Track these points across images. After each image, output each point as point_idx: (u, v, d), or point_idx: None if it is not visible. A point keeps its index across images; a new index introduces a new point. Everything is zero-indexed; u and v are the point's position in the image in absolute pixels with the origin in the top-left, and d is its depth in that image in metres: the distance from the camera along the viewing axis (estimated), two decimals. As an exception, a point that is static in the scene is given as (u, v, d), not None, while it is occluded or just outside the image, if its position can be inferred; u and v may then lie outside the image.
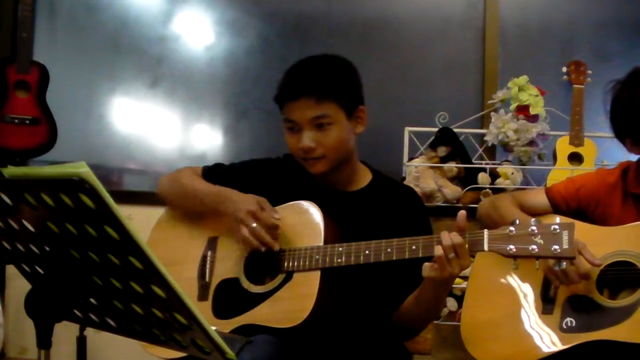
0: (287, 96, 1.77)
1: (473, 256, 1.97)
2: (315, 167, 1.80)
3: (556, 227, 1.47)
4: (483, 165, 2.97)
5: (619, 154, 2.82)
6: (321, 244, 1.69)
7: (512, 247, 1.49)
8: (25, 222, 1.04)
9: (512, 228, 1.50)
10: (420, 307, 1.72)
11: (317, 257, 1.67)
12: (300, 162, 1.82)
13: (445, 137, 2.94)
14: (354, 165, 1.87)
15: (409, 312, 1.75)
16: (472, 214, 1.61)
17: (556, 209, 1.93)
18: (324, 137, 1.75)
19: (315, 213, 1.74)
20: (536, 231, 1.48)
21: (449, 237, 1.53)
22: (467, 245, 1.53)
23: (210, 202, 1.84)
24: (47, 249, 1.07)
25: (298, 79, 1.77)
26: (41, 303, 1.09)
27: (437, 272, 1.56)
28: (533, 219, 1.51)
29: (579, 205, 1.93)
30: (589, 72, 3.05)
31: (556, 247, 1.46)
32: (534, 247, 1.47)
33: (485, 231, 1.53)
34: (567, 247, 1.46)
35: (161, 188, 1.98)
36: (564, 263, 1.52)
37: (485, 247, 1.52)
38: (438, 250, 1.54)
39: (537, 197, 1.97)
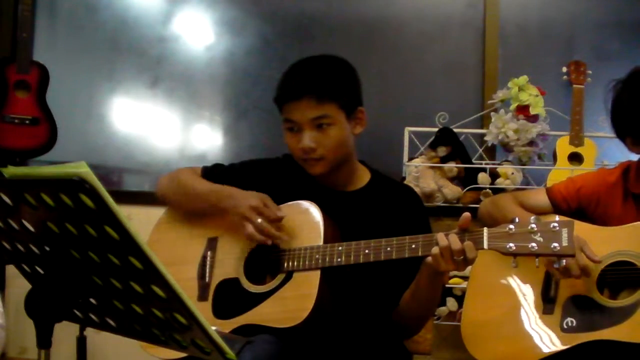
0: (287, 96, 1.77)
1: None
2: (315, 168, 1.80)
3: (555, 224, 1.47)
4: (483, 165, 2.97)
5: (619, 154, 2.82)
6: (321, 243, 1.69)
7: (511, 245, 1.49)
8: (25, 222, 1.04)
9: (511, 226, 1.50)
10: (416, 300, 1.73)
11: (317, 256, 1.67)
12: (299, 163, 1.82)
13: (445, 137, 2.94)
14: (353, 165, 1.87)
15: (405, 307, 1.76)
16: (472, 214, 1.60)
17: (557, 209, 1.93)
18: (324, 137, 1.75)
19: (315, 213, 1.74)
20: (536, 229, 1.48)
21: (445, 239, 1.54)
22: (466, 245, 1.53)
23: (211, 200, 1.84)
24: (47, 249, 1.07)
25: (299, 80, 1.77)
26: (41, 303, 1.09)
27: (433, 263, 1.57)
28: (532, 217, 1.51)
29: (579, 205, 1.93)
30: (589, 72, 3.04)
31: (556, 244, 1.46)
32: (534, 244, 1.47)
33: (485, 229, 1.53)
34: (566, 244, 1.46)
35: (160, 187, 1.97)
36: (564, 261, 1.52)
37: (485, 245, 1.52)
38: (435, 251, 1.54)
39: (538, 196, 1.97)
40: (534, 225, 1.48)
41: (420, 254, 1.59)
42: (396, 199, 1.85)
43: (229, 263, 1.81)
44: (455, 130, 3.00)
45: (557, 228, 1.47)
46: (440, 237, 1.54)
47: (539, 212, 1.87)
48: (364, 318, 1.76)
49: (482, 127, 3.15)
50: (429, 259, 1.56)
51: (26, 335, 3.20)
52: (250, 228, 1.71)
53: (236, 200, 1.76)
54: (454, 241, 1.53)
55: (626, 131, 1.88)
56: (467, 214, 1.55)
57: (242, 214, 1.73)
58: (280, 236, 1.71)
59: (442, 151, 2.94)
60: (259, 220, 1.70)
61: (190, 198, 1.90)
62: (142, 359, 1.82)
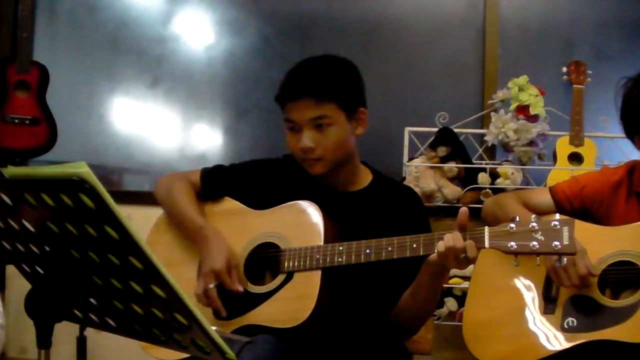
0: (287, 96, 1.77)
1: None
2: (314, 168, 1.80)
3: (556, 223, 1.47)
4: (483, 165, 2.97)
5: (619, 154, 2.83)
6: (321, 243, 1.69)
7: (513, 243, 1.50)
8: (25, 222, 1.04)
9: (512, 225, 1.51)
10: (416, 300, 1.72)
11: (317, 256, 1.67)
12: (300, 163, 1.82)
13: (445, 137, 2.94)
14: (355, 165, 1.87)
15: (404, 307, 1.75)
16: (472, 213, 1.60)
17: (560, 208, 1.92)
18: (323, 137, 1.75)
19: (314, 213, 1.74)
20: (536, 227, 1.48)
21: (451, 237, 1.54)
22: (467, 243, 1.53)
23: (189, 233, 1.86)
24: (47, 249, 1.07)
25: (298, 80, 1.78)
26: (41, 303, 1.09)
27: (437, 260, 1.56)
28: (533, 216, 1.51)
29: (582, 205, 1.92)
30: (589, 72, 3.05)
31: (557, 243, 1.46)
32: (535, 243, 1.48)
33: (486, 228, 1.53)
34: (567, 243, 1.46)
35: (158, 193, 1.97)
36: (565, 259, 1.52)
37: (486, 244, 1.52)
38: (440, 247, 1.54)
39: (542, 196, 1.97)
40: (534, 224, 1.49)
41: (421, 253, 1.59)
42: (397, 200, 1.85)
43: (229, 263, 1.80)
44: (455, 130, 2.99)
45: (558, 227, 1.47)
46: (447, 235, 1.54)
47: (542, 212, 1.87)
48: (364, 318, 1.76)
49: (482, 127, 3.15)
50: (433, 256, 1.56)
51: (26, 335, 3.19)
52: (199, 289, 1.74)
53: (207, 252, 1.77)
54: (458, 239, 1.53)
55: (635, 130, 1.87)
56: (464, 209, 1.55)
57: (202, 272, 1.76)
58: (220, 310, 1.72)
59: (442, 151, 2.94)
60: (211, 285, 1.72)
61: (175, 218, 1.91)
62: (142, 359, 1.82)
